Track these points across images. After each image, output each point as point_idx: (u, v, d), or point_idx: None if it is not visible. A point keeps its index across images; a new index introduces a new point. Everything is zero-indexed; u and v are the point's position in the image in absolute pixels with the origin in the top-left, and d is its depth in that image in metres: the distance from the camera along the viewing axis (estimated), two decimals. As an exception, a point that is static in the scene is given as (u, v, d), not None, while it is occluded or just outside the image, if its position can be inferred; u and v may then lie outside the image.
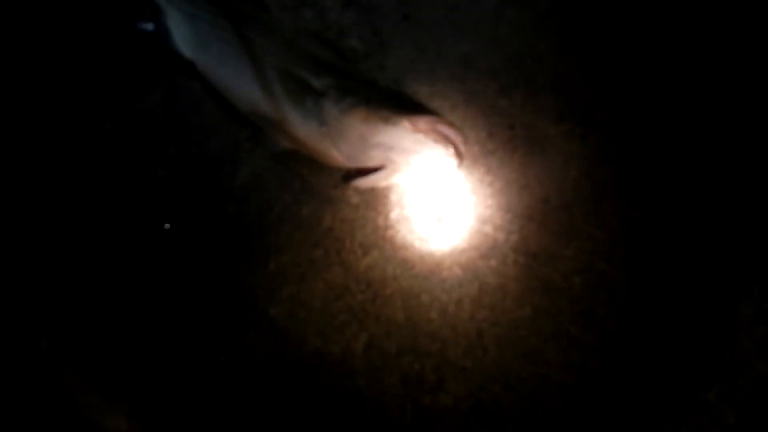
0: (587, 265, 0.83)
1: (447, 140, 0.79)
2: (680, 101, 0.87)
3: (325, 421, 0.79)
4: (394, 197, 0.87)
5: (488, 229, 0.85)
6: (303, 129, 0.82)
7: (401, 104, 0.81)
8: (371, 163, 0.82)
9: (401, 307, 0.82)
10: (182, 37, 0.90)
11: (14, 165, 0.90)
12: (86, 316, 0.86)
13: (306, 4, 0.96)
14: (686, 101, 0.88)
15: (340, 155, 0.82)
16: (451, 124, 0.79)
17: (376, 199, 0.87)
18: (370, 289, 0.83)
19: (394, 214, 0.86)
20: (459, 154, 0.80)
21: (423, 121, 0.79)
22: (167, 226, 0.84)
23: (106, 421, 0.83)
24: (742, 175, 0.85)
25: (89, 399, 0.83)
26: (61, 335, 0.85)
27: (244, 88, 0.85)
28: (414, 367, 0.80)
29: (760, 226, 0.83)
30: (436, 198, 0.86)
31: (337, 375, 0.80)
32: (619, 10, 0.91)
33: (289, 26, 0.94)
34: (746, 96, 0.87)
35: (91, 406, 0.83)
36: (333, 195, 0.87)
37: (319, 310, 0.83)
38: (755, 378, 0.82)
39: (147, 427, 0.82)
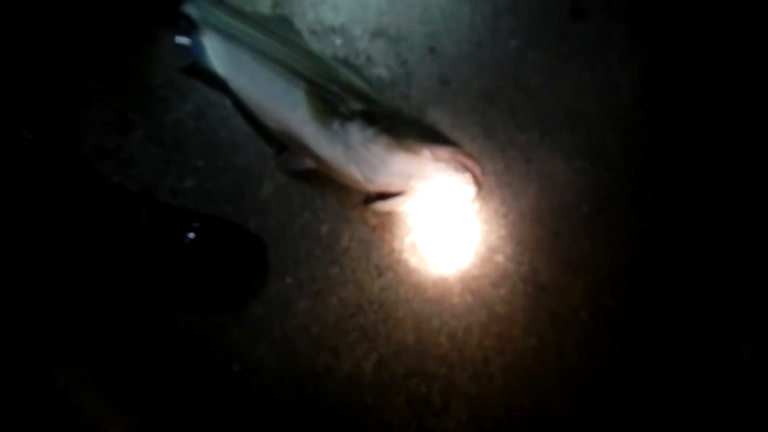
0: (594, 300, 0.85)
1: (466, 170, 0.82)
2: (688, 147, 0.91)
3: (331, 435, 0.81)
4: (410, 222, 0.90)
5: (500, 258, 0.87)
6: (328, 151, 0.85)
7: (424, 133, 0.84)
8: (391, 187, 0.85)
9: (412, 329, 0.84)
10: (217, 55, 0.94)
11: (43, 166, 0.93)
12: (96, 321, 0.88)
13: (335, 32, 1.01)
14: (694, 147, 0.91)
15: (361, 178, 0.84)
16: (471, 156, 0.82)
17: (394, 223, 0.90)
18: (383, 310, 0.85)
19: (409, 239, 0.89)
20: (476, 185, 0.83)
21: (444, 151, 0.81)
22: (196, 225, 0.85)
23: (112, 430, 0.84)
24: (749, 222, 0.87)
25: (94, 407, 0.85)
26: (69, 344, 0.87)
27: (274, 107, 0.89)
28: (421, 388, 0.82)
29: (763, 271, 0.86)
30: (451, 225, 0.89)
31: (346, 391, 0.82)
32: (635, 57, 0.95)
33: (318, 51, 0.98)
34: (755, 146, 0.90)
35: (97, 414, 0.84)
36: (352, 215, 0.90)
37: (332, 327, 0.85)
38: (751, 423, 0.84)
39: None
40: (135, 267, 0.81)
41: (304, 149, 0.88)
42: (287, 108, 0.87)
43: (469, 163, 0.82)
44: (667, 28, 0.98)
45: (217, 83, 0.95)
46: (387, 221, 0.90)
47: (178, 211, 0.87)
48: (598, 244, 0.87)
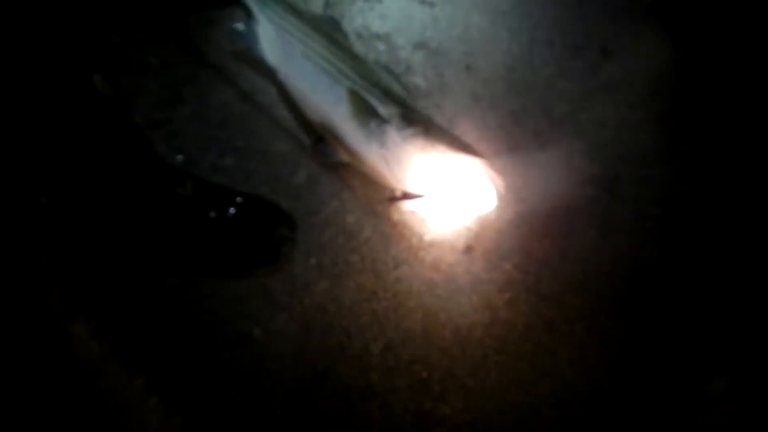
0: (589, 316, 0.92)
1: (489, 182, 0.88)
2: (698, 190, 0.98)
3: (336, 408, 0.87)
4: (430, 222, 0.97)
5: (508, 266, 0.94)
6: (363, 147, 0.91)
7: (454, 142, 0.91)
8: (417, 188, 0.92)
9: (420, 320, 0.91)
10: (270, 46, 1.00)
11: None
12: (122, 280, 0.94)
13: (380, 38, 1.08)
14: (704, 189, 0.98)
15: (391, 176, 0.91)
16: (495, 169, 0.89)
17: (415, 221, 0.96)
18: (396, 299, 0.92)
19: (428, 237, 0.96)
20: (496, 196, 0.89)
21: (471, 161, 0.88)
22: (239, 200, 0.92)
23: (126, 393, 0.90)
24: (734, 262, 0.94)
25: (109, 368, 0.91)
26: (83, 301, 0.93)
27: (318, 101, 0.95)
28: (422, 375, 0.88)
29: (744, 304, 0.92)
30: (467, 230, 0.96)
31: (354, 368, 0.88)
32: (656, 98, 1.03)
33: (362, 55, 1.05)
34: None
35: (110, 375, 0.90)
36: (377, 209, 0.97)
37: (348, 308, 0.91)
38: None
39: (170, 398, 0.89)
40: (176, 234, 0.88)
41: (340, 143, 0.94)
42: (330, 103, 0.93)
43: (493, 175, 0.89)
44: (687, 72, 1.05)
45: (265, 71, 1.01)
46: (409, 219, 0.96)
47: (219, 186, 0.94)
48: (599, 266, 0.94)
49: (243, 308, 0.91)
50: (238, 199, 0.89)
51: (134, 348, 0.91)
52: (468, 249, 0.95)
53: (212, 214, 0.88)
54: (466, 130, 1.01)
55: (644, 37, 1.08)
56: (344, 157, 0.96)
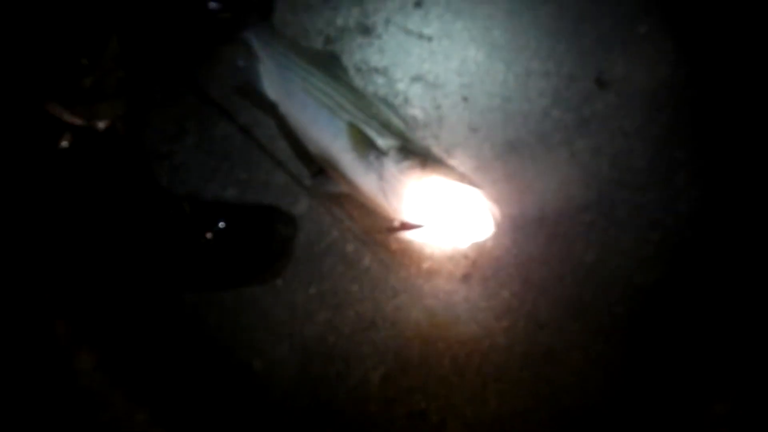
0: (588, 343, 0.92)
1: (486, 211, 0.90)
2: (692, 217, 0.99)
3: (335, 437, 0.88)
4: (428, 251, 0.98)
5: (506, 294, 0.95)
6: (362, 179, 0.93)
7: (452, 173, 0.93)
8: (416, 218, 0.94)
9: (418, 349, 0.92)
10: (271, 81, 1.02)
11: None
12: (124, 309, 0.96)
13: (378, 72, 1.10)
14: (698, 216, 0.99)
15: (390, 207, 0.92)
16: (492, 199, 0.90)
17: (413, 251, 0.98)
18: (395, 328, 0.93)
19: (426, 266, 0.97)
20: (493, 225, 0.91)
21: (469, 191, 0.90)
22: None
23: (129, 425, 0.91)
24: (732, 287, 0.95)
25: (113, 398, 0.92)
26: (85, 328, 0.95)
27: (317, 134, 0.96)
28: (421, 404, 0.89)
29: (744, 328, 0.92)
30: (465, 258, 0.97)
31: (353, 398, 0.89)
32: (651, 126, 1.04)
33: (361, 88, 1.07)
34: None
35: (114, 406, 0.91)
36: (376, 239, 0.98)
37: (347, 338, 0.93)
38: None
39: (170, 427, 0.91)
40: (181, 257, 0.90)
41: (339, 174, 0.96)
42: (330, 136, 0.95)
43: (490, 204, 0.90)
44: (683, 99, 1.07)
45: (266, 105, 1.04)
46: (408, 248, 0.98)
47: (215, 202, 0.97)
48: (597, 291, 0.95)
49: (244, 338, 0.93)
50: (236, 207, 0.92)
51: (137, 379, 0.92)
52: (466, 277, 0.96)
53: (213, 225, 0.91)
54: (463, 160, 1.03)
55: (639, 66, 1.10)
56: (344, 188, 0.97)
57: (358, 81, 1.09)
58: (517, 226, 0.98)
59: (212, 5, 1.05)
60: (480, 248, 0.97)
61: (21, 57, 0.55)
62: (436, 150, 1.03)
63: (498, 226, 0.91)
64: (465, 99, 1.07)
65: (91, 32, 0.59)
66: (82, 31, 0.58)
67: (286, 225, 0.97)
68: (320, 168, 1.00)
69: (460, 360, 0.91)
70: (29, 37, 0.54)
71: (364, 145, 0.92)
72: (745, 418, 0.89)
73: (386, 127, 0.95)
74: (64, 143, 0.67)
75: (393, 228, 0.98)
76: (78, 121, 0.66)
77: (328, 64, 1.06)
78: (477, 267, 0.97)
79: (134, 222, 0.87)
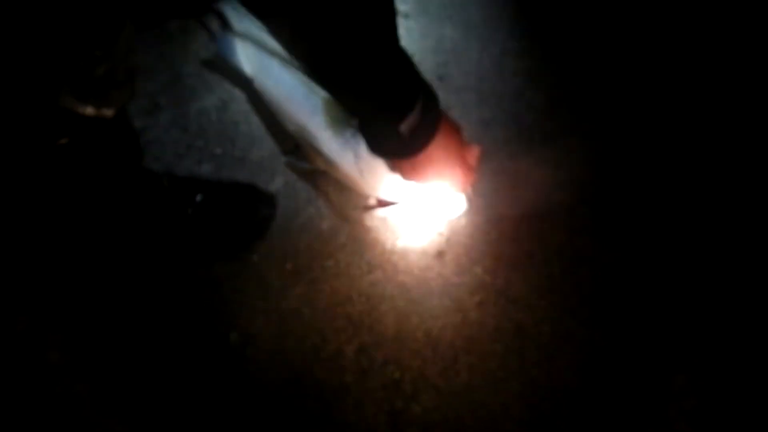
0: (556, 318, 0.95)
1: (458, 189, 0.92)
2: (662, 189, 1.02)
3: (311, 408, 0.90)
4: (403, 228, 1.00)
5: (478, 270, 0.97)
6: (338, 156, 0.93)
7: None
8: (391, 196, 0.95)
9: (393, 323, 0.94)
10: (247, 57, 1.02)
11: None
12: (93, 305, 0.96)
13: (356, 49, 1.10)
14: (666, 191, 1.02)
15: (365, 184, 0.94)
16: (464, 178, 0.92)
17: (388, 227, 0.99)
18: (369, 303, 0.95)
19: (400, 243, 0.99)
20: (466, 202, 0.93)
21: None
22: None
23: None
24: (698, 258, 0.98)
25: (90, 380, 0.92)
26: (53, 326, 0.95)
27: (294, 110, 0.96)
28: (395, 375, 0.91)
29: (703, 303, 0.96)
30: (439, 235, 0.99)
31: (328, 370, 0.91)
32: (622, 103, 1.07)
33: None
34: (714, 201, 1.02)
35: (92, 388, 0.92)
36: (351, 216, 1.00)
37: (322, 312, 0.94)
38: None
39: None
40: (161, 232, 0.91)
41: (316, 151, 0.96)
42: (306, 113, 0.95)
43: (462, 182, 0.92)
44: (656, 77, 1.10)
45: (242, 81, 1.04)
46: (382, 225, 0.99)
47: (192, 178, 0.97)
48: (566, 269, 0.98)
49: (220, 312, 0.94)
50: (215, 184, 0.92)
51: (111, 355, 0.93)
52: (439, 254, 0.98)
53: (195, 201, 0.91)
54: (438, 139, 1.04)
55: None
56: (320, 164, 0.98)
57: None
58: (489, 204, 1.00)
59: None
60: (453, 226, 0.99)
61: (34, 49, 0.54)
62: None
63: (470, 203, 0.93)
64: (440, 78, 1.08)
65: (105, 20, 0.59)
66: (97, 20, 0.57)
67: (266, 204, 0.97)
68: (295, 145, 1.01)
69: (434, 333, 0.94)
70: (42, 29, 0.53)
71: (341, 123, 0.93)
72: (704, 388, 0.93)
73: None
74: (68, 136, 0.67)
75: (368, 205, 0.99)
76: (90, 110, 0.65)
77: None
78: (450, 244, 0.99)
79: (117, 199, 0.87)
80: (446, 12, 1.13)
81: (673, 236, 0.99)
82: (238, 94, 1.07)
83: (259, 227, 0.97)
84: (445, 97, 1.06)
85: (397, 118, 0.69)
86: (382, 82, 0.66)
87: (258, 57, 1.01)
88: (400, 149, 0.75)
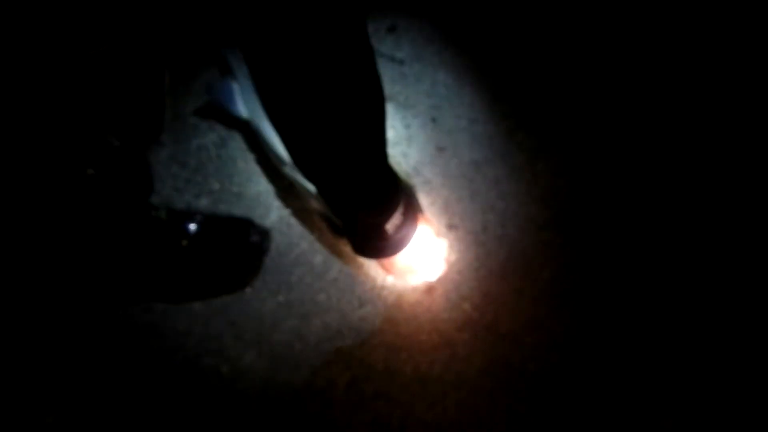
0: (542, 355, 0.96)
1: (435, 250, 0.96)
2: (648, 230, 1.04)
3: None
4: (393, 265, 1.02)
5: (467, 306, 0.99)
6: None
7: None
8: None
9: (383, 357, 0.95)
10: (244, 98, 1.07)
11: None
12: (95, 315, 0.98)
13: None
14: (653, 230, 1.04)
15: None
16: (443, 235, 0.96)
17: (379, 264, 1.02)
18: (360, 337, 0.96)
19: (390, 279, 1.01)
20: (443, 263, 0.98)
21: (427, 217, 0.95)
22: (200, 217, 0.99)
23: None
24: (685, 299, 1.00)
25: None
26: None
27: (286, 153, 1.01)
28: (384, 411, 0.92)
29: (691, 346, 0.97)
30: (428, 272, 1.01)
31: (319, 404, 0.91)
32: (610, 145, 1.10)
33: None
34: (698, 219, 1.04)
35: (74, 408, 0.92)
36: (343, 251, 1.02)
37: (313, 347, 0.96)
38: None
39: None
40: (156, 264, 0.93)
41: (308, 193, 0.99)
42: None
43: (438, 242, 1.00)
44: (647, 120, 1.13)
45: (239, 122, 1.08)
46: (373, 262, 1.01)
47: (188, 211, 1.00)
48: (553, 306, 1.00)
49: (213, 344, 0.95)
50: (199, 217, 0.96)
51: (103, 383, 0.93)
52: (429, 290, 1.00)
53: (189, 232, 0.94)
54: (431, 178, 1.07)
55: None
56: (312, 205, 1.01)
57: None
58: (479, 242, 1.03)
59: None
60: (443, 263, 1.02)
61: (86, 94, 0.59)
62: (405, 167, 1.07)
63: (447, 264, 0.98)
64: (433, 120, 1.12)
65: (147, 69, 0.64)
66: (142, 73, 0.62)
67: (261, 238, 1.00)
68: (290, 183, 1.04)
69: (422, 368, 0.95)
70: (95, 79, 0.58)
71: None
72: None
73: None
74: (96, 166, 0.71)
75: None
76: (116, 142, 0.70)
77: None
78: (440, 280, 1.01)
79: (115, 229, 0.89)
80: (440, 58, 1.18)
81: (663, 274, 1.01)
82: (237, 133, 1.11)
83: (252, 260, 0.99)
84: (437, 139, 1.10)
85: (385, 218, 0.81)
86: (373, 193, 0.77)
87: (254, 100, 1.05)
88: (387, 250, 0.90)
